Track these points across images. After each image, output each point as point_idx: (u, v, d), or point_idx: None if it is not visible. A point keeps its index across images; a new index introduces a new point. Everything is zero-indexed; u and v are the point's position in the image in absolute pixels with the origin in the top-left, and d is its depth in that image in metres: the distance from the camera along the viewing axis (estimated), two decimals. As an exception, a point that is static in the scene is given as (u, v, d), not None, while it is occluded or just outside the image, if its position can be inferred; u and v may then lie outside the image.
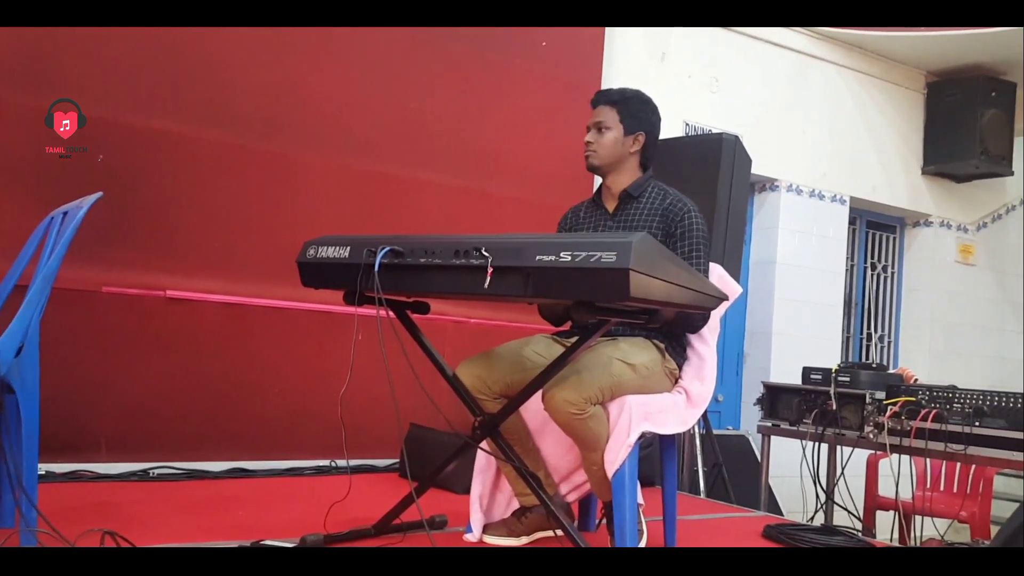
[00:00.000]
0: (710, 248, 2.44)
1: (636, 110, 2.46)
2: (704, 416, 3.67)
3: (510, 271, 1.78)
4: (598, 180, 2.59)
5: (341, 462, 3.43)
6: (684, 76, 4.96)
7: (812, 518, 3.58)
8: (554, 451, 2.45)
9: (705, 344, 2.48)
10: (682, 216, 2.38)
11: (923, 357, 6.14)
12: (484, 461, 2.46)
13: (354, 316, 1.99)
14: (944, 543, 3.47)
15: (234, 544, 2.14)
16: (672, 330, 2.40)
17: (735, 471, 4.06)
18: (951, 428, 3.06)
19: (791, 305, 5.41)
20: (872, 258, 6.28)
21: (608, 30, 4.51)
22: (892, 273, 6.38)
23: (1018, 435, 2.91)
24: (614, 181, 2.50)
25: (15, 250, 2.37)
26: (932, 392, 3.21)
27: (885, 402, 3.28)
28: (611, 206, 2.52)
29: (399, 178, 3.85)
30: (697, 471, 3.87)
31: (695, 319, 2.37)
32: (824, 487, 3.68)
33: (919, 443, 3.15)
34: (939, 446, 3.09)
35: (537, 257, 1.74)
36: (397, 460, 3.57)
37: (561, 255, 1.71)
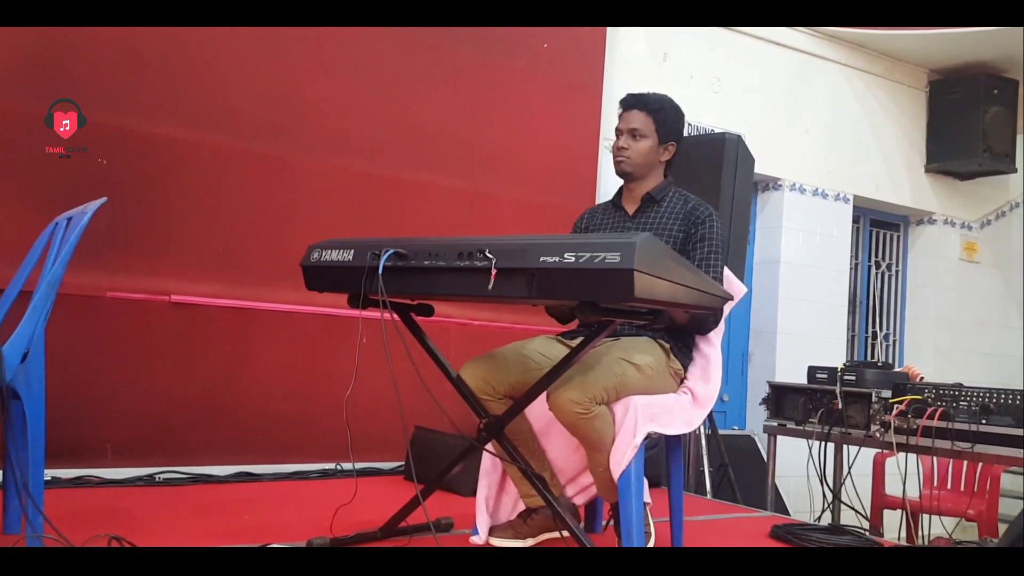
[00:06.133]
0: (727, 254, 2.45)
1: (671, 120, 2.47)
2: (710, 416, 3.67)
3: (514, 272, 1.78)
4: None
5: (347, 465, 3.43)
6: (686, 76, 4.96)
7: (819, 518, 3.57)
8: (560, 452, 2.44)
9: (710, 344, 2.47)
10: (703, 220, 2.40)
11: (928, 355, 6.13)
12: (490, 463, 2.46)
13: (358, 319, 1.99)
14: (952, 542, 3.46)
15: (240, 548, 2.14)
16: (682, 332, 2.40)
17: (741, 471, 4.05)
18: (958, 426, 3.05)
19: (795, 304, 5.40)
20: (876, 256, 6.27)
21: (610, 30, 4.50)
22: (896, 271, 6.37)
23: (1025, 432, 2.90)
24: (638, 185, 2.51)
25: (16, 254, 2.37)
26: (938, 390, 3.20)
27: (891, 401, 3.28)
28: (631, 208, 2.53)
29: (402, 181, 3.85)
30: (703, 471, 3.86)
31: (706, 321, 2.38)
32: (831, 486, 3.67)
33: (926, 441, 3.14)
34: (946, 444, 3.08)
35: (541, 258, 1.74)
36: (403, 463, 3.57)
37: (565, 256, 1.71)
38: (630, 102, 2.49)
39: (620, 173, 2.51)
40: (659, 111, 2.46)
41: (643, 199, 2.50)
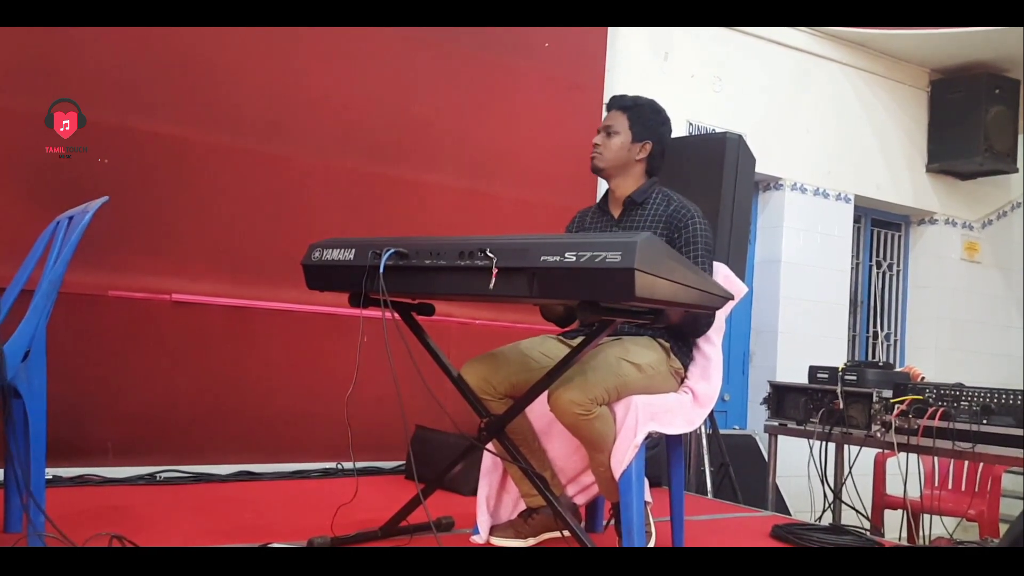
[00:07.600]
0: (714, 253, 2.44)
1: (646, 118, 2.47)
2: (711, 416, 3.67)
3: (515, 272, 1.78)
4: (602, 182, 2.60)
5: (348, 464, 3.43)
6: (687, 75, 4.96)
7: (820, 518, 3.57)
8: (560, 452, 2.45)
9: (711, 344, 2.47)
10: (686, 222, 2.39)
11: (930, 355, 6.12)
12: (490, 462, 2.46)
13: (359, 318, 1.99)
14: (953, 542, 3.46)
15: (241, 547, 2.14)
16: (677, 333, 2.40)
17: (742, 471, 4.05)
18: (959, 426, 3.05)
19: (796, 304, 5.40)
20: (877, 256, 6.27)
21: (611, 30, 4.50)
22: (897, 271, 6.36)
23: (1026, 432, 2.90)
24: (618, 186, 2.51)
25: (17, 253, 2.38)
26: (939, 390, 3.20)
27: (892, 400, 3.28)
28: (616, 212, 2.53)
29: (403, 180, 3.85)
30: (704, 471, 3.85)
31: (700, 323, 2.37)
32: (832, 486, 3.67)
33: (927, 441, 3.14)
34: (947, 444, 3.08)
35: (542, 258, 1.74)
36: (403, 462, 3.57)
37: (566, 255, 1.71)
38: (608, 104, 2.54)
39: (594, 169, 2.51)
40: (632, 108, 2.47)
41: (625, 202, 2.49)
